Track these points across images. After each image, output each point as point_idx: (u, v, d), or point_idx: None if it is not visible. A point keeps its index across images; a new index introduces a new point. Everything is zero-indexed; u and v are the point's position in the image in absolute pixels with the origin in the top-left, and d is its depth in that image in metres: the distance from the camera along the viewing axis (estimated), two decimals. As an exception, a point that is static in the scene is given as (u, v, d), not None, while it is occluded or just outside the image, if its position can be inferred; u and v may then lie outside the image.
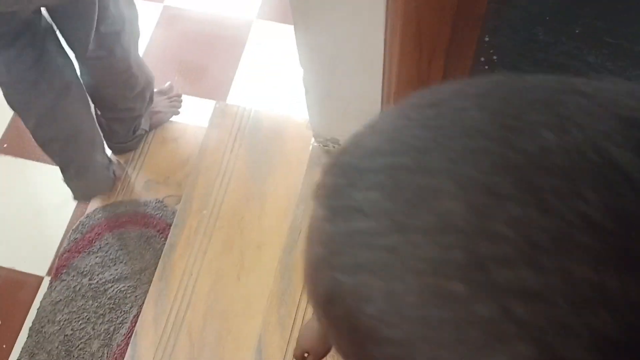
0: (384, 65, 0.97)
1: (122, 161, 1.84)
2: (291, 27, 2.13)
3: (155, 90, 1.92)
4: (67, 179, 1.69)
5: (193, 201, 1.53)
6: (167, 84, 1.94)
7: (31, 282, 1.81)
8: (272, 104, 1.98)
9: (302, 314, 1.25)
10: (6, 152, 2.02)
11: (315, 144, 1.41)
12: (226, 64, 2.11)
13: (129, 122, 1.72)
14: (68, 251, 1.66)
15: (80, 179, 1.69)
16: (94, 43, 1.38)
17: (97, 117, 1.72)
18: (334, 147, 1.41)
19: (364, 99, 1.18)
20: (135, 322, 1.54)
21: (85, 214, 1.74)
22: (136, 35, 1.53)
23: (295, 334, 1.23)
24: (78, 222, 1.72)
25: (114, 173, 1.76)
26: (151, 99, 1.75)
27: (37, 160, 1.99)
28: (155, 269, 1.62)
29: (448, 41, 0.83)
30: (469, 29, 0.81)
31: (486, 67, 1.45)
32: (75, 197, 1.77)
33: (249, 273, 1.45)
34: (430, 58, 0.87)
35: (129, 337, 1.53)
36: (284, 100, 2.01)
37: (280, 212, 1.51)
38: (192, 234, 1.49)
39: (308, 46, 1.07)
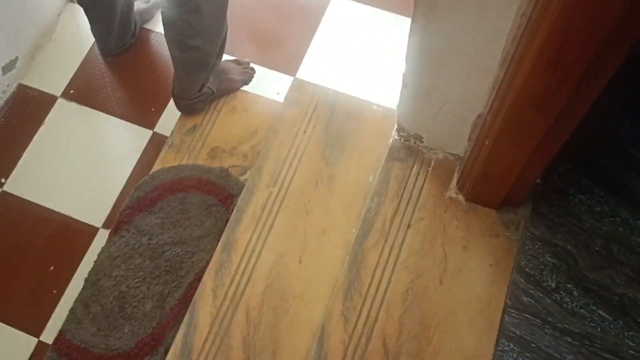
0: (503, 76, 0.93)
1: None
2: (368, 8, 2.09)
3: (232, 58, 1.91)
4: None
5: (262, 176, 1.52)
6: (246, 59, 1.95)
7: (86, 232, 1.83)
8: (343, 85, 1.95)
9: (366, 310, 1.24)
10: (72, 98, 2.03)
11: (397, 137, 1.38)
12: (300, 37, 2.08)
13: (195, 70, 1.70)
14: (130, 208, 1.67)
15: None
16: None
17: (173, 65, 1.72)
18: (415, 142, 1.38)
19: (465, 103, 1.14)
20: (191, 289, 1.55)
21: (150, 173, 1.74)
22: None
23: (359, 328, 1.23)
24: (142, 180, 1.73)
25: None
26: (220, 52, 1.73)
27: (102, 110, 2.00)
28: (214, 237, 1.62)
29: (588, 64, 0.79)
30: (615, 54, 0.77)
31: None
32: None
33: (311, 257, 1.44)
34: (562, 78, 0.83)
35: (182, 302, 1.55)
36: (356, 83, 1.98)
37: (348, 199, 1.49)
38: (259, 210, 1.48)
39: (420, 43, 1.03)
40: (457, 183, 1.32)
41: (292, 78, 1.99)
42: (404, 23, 2.07)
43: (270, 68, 2.02)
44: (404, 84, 1.17)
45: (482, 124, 1.09)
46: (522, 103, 0.92)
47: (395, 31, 2.06)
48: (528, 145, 1.02)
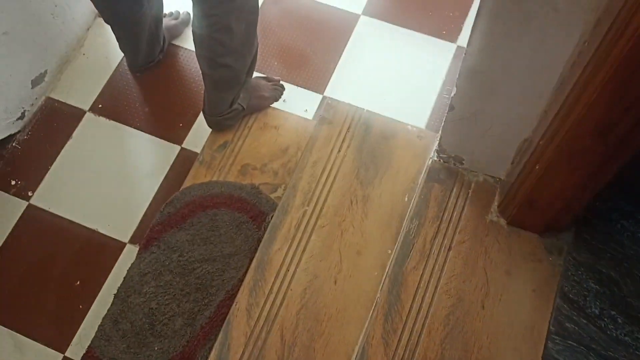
0: (562, 102, 0.93)
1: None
2: (394, 27, 2.09)
3: (262, 75, 1.91)
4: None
5: (297, 195, 1.51)
6: (276, 77, 1.95)
7: (113, 247, 1.82)
8: (370, 103, 1.95)
9: (407, 333, 1.22)
10: (100, 112, 2.03)
11: (436, 158, 1.38)
12: (327, 56, 2.08)
13: (226, 87, 1.70)
14: (160, 224, 1.66)
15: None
16: None
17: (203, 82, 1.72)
18: (454, 164, 1.37)
19: (512, 127, 1.14)
20: (221, 307, 1.54)
21: (181, 189, 1.74)
22: None
23: (400, 352, 1.21)
24: (173, 196, 1.72)
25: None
26: (251, 69, 1.73)
27: (130, 125, 2.00)
28: (245, 255, 1.61)
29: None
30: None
31: None
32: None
33: (346, 278, 1.42)
34: (629, 106, 0.82)
35: (213, 321, 1.53)
36: (382, 101, 1.98)
37: (383, 219, 1.48)
38: (293, 229, 1.47)
39: (473, 67, 1.03)
40: (499, 206, 1.31)
41: (319, 96, 1.99)
42: (429, 42, 2.07)
43: (298, 85, 2.03)
44: (451, 107, 1.16)
45: (531, 148, 1.08)
46: (583, 130, 0.91)
47: (421, 50, 2.06)
48: (582, 172, 1.01)
